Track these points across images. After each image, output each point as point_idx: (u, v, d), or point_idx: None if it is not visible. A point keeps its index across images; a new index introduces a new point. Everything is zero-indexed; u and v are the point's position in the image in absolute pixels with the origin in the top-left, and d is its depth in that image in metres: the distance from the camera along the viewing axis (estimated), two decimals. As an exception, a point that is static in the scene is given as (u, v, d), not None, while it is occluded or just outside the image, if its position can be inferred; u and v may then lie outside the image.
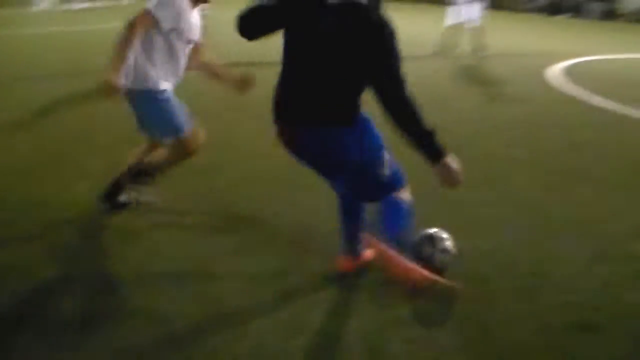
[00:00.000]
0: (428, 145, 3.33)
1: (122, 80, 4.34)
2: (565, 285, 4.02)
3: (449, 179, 3.40)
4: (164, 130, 4.75)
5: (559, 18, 25.68)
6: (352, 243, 4.04)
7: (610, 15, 25.35)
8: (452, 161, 3.38)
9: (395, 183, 3.71)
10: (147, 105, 4.64)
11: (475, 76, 12.85)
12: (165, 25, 4.44)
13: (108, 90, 4.24)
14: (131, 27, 4.34)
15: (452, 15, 14.51)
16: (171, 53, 4.60)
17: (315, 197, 5.05)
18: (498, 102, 9.96)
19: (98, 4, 25.18)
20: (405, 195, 3.78)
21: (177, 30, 4.52)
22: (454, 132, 7.02)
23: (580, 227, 4.96)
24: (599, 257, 4.46)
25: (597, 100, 9.77)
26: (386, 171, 3.63)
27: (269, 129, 3.75)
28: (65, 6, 24.52)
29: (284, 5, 3.39)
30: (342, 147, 3.49)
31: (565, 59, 13.99)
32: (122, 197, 5.04)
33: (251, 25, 3.48)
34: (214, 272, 4.12)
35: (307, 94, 3.46)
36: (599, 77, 12.04)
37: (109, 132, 7.35)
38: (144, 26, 4.39)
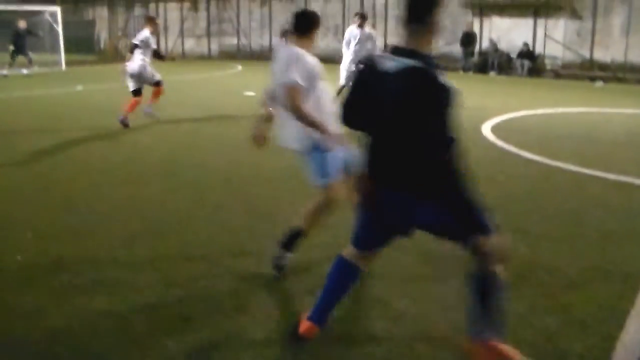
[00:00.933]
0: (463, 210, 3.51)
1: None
2: (505, 337, 4.05)
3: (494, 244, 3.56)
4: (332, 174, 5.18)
5: (491, 75, 26.53)
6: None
7: (535, 71, 26.37)
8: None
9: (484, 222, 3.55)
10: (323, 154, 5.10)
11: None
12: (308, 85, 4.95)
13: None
14: (296, 105, 4.87)
15: None
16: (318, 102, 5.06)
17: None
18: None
19: (22, 72, 25.17)
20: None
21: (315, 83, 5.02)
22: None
23: (516, 280, 5.02)
24: (535, 309, 4.52)
25: (529, 154, 10.02)
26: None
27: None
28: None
29: (359, 85, 3.74)
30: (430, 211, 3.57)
31: (498, 114, 14.35)
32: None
33: (347, 116, 3.89)
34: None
35: (389, 158, 3.65)
36: (529, 131, 12.37)
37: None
38: (300, 96, 4.88)
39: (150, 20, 13.28)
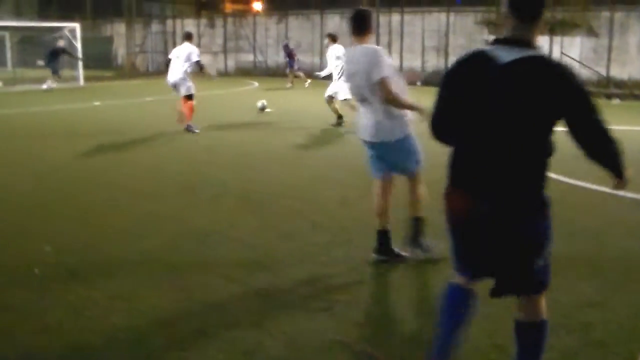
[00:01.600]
0: (619, 165, 3.32)
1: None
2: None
3: (623, 185, 3.40)
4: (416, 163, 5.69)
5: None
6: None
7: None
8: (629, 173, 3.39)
9: (548, 279, 3.45)
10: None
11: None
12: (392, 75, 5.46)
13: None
14: (393, 96, 5.35)
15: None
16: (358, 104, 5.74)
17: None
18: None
19: (42, 87, 25.56)
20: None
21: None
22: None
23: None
24: (554, 329, 4.47)
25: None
26: (542, 261, 3.36)
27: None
28: (12, 88, 25.15)
29: (455, 86, 3.29)
30: (530, 226, 3.26)
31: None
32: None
33: (440, 126, 3.39)
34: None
35: (497, 165, 3.21)
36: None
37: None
38: (392, 86, 5.36)
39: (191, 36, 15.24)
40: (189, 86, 14.14)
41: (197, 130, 13.91)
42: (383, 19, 30.46)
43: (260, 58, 34.89)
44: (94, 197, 8.36)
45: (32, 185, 9.10)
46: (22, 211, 7.77)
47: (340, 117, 14.89)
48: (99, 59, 34.72)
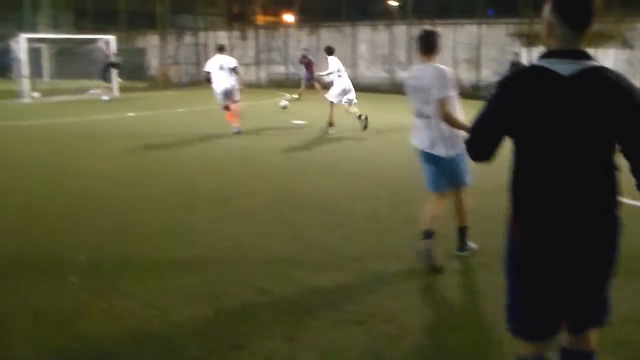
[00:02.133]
0: None
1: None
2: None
3: None
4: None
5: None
6: None
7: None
8: None
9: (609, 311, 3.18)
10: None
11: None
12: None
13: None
14: (449, 115, 5.66)
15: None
16: (415, 119, 6.04)
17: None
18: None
19: (76, 97, 26.00)
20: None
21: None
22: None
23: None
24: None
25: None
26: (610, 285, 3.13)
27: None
28: (49, 99, 25.68)
29: (511, 104, 2.95)
30: (607, 246, 3.04)
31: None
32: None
33: (487, 147, 3.09)
34: None
35: (572, 187, 2.91)
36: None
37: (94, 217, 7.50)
38: (452, 106, 5.74)
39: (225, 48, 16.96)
40: (238, 91, 15.71)
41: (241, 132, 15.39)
42: (414, 31, 30.39)
43: (292, 70, 34.94)
44: (128, 208, 8.44)
45: (64, 196, 9.21)
46: (58, 220, 7.87)
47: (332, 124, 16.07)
48: (133, 71, 35.07)
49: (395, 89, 30.59)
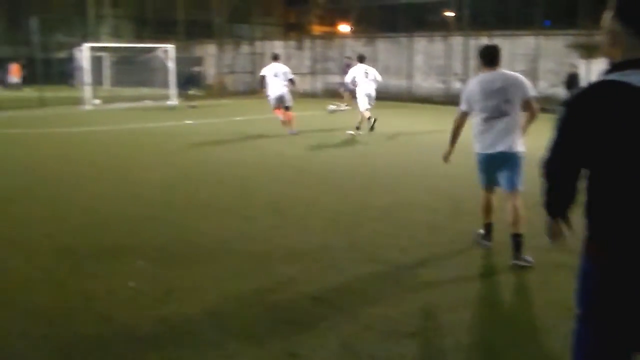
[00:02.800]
0: None
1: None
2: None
3: None
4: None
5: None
6: None
7: None
8: None
9: None
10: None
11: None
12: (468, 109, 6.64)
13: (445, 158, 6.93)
14: (538, 113, 6.50)
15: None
16: (484, 123, 6.52)
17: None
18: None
19: (137, 105, 26.63)
20: None
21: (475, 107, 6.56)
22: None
23: None
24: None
25: None
26: None
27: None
28: (109, 106, 26.34)
29: (587, 124, 2.66)
30: None
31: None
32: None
33: (565, 170, 2.83)
34: None
35: None
36: None
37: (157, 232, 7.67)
38: (457, 113, 6.80)
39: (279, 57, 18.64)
40: (291, 98, 17.15)
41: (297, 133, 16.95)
42: (471, 42, 30.18)
43: (348, 80, 35.04)
44: (187, 215, 8.59)
45: (123, 202, 9.44)
46: (119, 225, 8.06)
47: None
48: (191, 79, 35.58)
49: (451, 100, 30.39)
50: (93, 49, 30.15)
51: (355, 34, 39.23)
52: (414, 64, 32.95)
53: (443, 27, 37.28)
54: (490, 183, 6.77)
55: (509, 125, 6.44)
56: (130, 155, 14.01)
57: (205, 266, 6.46)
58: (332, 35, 41.68)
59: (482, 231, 7.01)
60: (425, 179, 10.99)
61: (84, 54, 28.97)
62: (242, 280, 6.00)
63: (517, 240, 6.35)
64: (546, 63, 28.40)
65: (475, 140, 6.65)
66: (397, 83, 33.29)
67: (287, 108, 17.20)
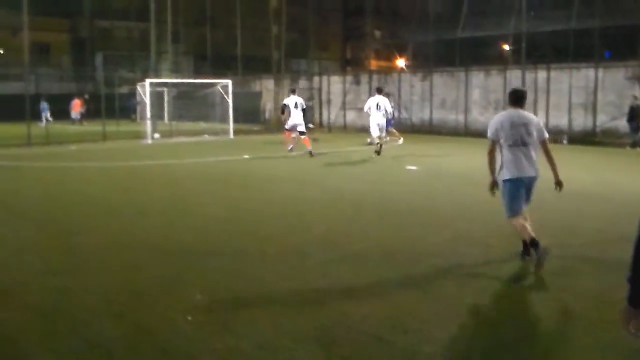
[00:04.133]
0: None
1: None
2: None
3: None
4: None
5: None
6: None
7: None
8: None
9: None
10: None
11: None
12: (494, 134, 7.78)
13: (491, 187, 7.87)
14: (550, 149, 7.91)
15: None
16: (507, 151, 7.69)
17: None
18: None
19: (197, 139, 27.17)
20: None
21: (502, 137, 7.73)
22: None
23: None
24: None
25: None
26: None
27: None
28: (169, 140, 26.96)
29: None
30: None
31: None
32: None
33: None
34: None
35: None
36: None
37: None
38: (489, 145, 7.87)
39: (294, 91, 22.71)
40: (303, 124, 21.17)
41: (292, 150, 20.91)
42: (529, 75, 29.96)
43: (405, 115, 35.04)
44: (244, 249, 8.65)
45: (182, 235, 9.57)
46: (178, 257, 8.19)
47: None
48: (248, 113, 36.12)
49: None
50: (154, 84, 30.92)
51: (411, 68, 39.30)
52: (471, 98, 32.83)
53: (500, 61, 37.12)
54: (520, 207, 7.80)
55: (531, 154, 7.78)
56: (190, 189, 14.23)
57: (261, 300, 6.50)
58: (389, 70, 41.84)
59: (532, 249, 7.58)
60: (481, 214, 10.89)
61: (145, 89, 29.73)
62: (298, 315, 6.01)
63: (526, 245, 7.64)
64: (606, 95, 27.95)
65: (506, 170, 7.75)
66: (454, 117, 33.20)
67: (301, 133, 21.13)
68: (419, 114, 35.37)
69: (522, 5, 30.20)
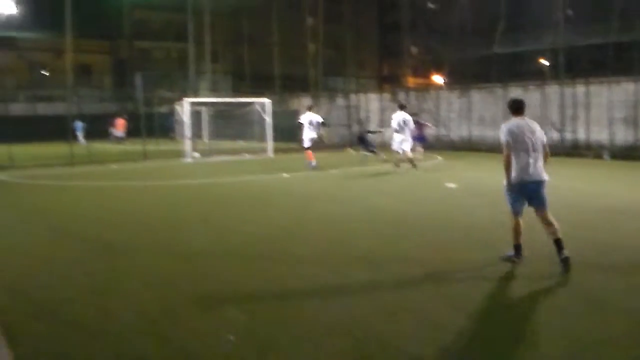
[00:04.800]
0: None
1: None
2: None
3: None
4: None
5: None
6: None
7: None
8: None
9: None
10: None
11: None
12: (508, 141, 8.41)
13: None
14: (504, 155, 8.44)
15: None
16: (517, 157, 8.36)
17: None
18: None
19: (234, 158, 27.50)
20: None
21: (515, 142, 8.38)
22: None
23: None
24: None
25: None
26: None
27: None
28: (208, 159, 27.30)
29: None
30: None
31: None
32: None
33: None
34: None
35: None
36: None
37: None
38: (506, 150, 8.44)
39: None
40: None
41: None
42: (567, 90, 29.71)
43: (443, 132, 34.91)
44: (285, 269, 8.69)
45: (221, 256, 9.66)
46: (218, 276, 8.27)
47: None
48: (286, 132, 36.36)
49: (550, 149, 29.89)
50: (193, 103, 31.32)
51: (449, 85, 39.21)
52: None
53: (538, 76, 36.85)
54: (544, 205, 8.44)
55: (539, 160, 8.41)
56: (230, 208, 14.35)
57: (300, 321, 6.53)
58: (427, 87, 41.79)
59: (512, 252, 8.66)
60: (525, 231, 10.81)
61: (184, 108, 30.14)
62: (338, 336, 6.02)
63: (559, 244, 8.20)
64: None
65: (514, 173, 8.38)
66: (493, 134, 32.90)
67: (308, 148, 23.26)
68: (458, 131, 35.23)
69: (560, 19, 29.99)
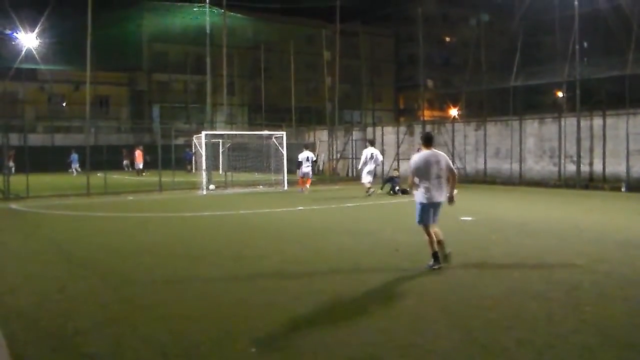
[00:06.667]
0: None
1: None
2: None
3: None
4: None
5: None
6: None
7: None
8: None
9: None
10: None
11: None
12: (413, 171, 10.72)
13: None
14: (409, 180, 10.83)
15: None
16: (422, 182, 10.63)
17: None
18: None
19: (251, 190, 27.60)
20: None
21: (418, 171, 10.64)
22: None
23: None
24: None
25: None
26: None
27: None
28: (224, 191, 27.45)
29: None
30: None
31: None
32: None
33: None
34: None
35: None
36: None
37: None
38: (411, 177, 10.86)
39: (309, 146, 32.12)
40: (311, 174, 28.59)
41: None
42: (584, 123, 29.63)
43: (459, 165, 34.87)
44: (299, 302, 8.59)
45: (235, 286, 9.62)
46: (232, 309, 8.20)
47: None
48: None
49: (565, 182, 29.76)
50: (209, 135, 31.49)
51: (465, 117, 39.23)
52: (525, 146, 32.57)
53: (554, 108, 36.80)
54: (433, 220, 10.64)
55: (443, 185, 10.51)
56: (244, 241, 14.31)
57: (314, 357, 6.46)
58: (443, 120, 41.83)
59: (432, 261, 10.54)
60: (538, 266, 10.71)
61: (201, 140, 30.31)
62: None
63: (441, 244, 10.58)
64: None
65: (420, 195, 10.54)
66: (508, 167, 32.92)
67: (306, 174, 27.98)
68: (473, 164, 35.21)
69: (576, 52, 30.02)
